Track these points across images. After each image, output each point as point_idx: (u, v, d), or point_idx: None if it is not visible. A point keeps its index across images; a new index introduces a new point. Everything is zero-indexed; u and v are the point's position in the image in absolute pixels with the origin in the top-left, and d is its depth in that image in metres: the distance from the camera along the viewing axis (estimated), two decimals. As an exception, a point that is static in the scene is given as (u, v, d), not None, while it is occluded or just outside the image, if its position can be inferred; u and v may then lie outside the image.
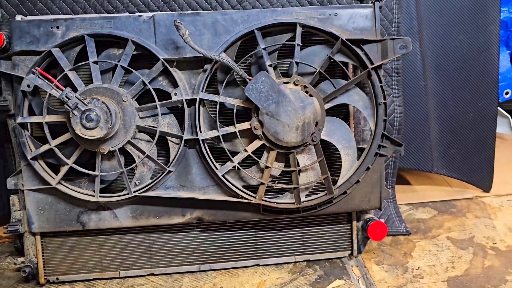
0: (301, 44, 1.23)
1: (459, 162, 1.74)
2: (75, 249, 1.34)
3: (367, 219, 1.39)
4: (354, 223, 1.40)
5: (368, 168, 1.29)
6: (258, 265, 1.40)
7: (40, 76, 1.17)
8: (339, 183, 1.29)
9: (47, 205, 1.28)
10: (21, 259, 1.34)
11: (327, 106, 1.25)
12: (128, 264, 1.36)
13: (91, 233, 1.33)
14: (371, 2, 1.28)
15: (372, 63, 1.25)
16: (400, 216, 1.60)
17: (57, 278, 1.35)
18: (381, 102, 1.26)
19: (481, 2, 1.65)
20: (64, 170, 1.22)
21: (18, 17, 1.25)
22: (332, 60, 1.24)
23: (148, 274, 1.38)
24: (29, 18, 1.25)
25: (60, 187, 1.24)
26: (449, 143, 1.73)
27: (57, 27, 1.21)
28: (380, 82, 1.26)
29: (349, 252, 1.43)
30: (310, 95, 1.22)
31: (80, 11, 1.38)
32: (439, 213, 1.69)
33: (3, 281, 1.39)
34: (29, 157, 1.22)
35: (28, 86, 1.19)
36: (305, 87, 1.22)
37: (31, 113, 1.25)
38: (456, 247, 1.48)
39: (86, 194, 1.25)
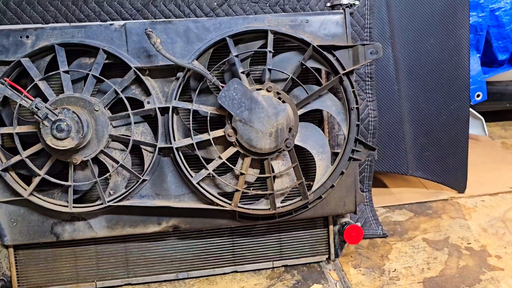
0: (273, 51, 1.23)
1: (434, 164, 1.77)
2: (49, 261, 1.32)
3: (344, 223, 1.40)
4: (331, 227, 1.41)
5: (342, 173, 1.31)
6: (236, 271, 1.40)
7: (9, 87, 1.15)
8: (314, 188, 1.30)
9: (20, 217, 1.26)
10: (-6, 272, 1.32)
11: (300, 112, 1.26)
12: (104, 275, 1.35)
13: (66, 244, 1.32)
14: (342, 9, 1.29)
15: (343, 69, 1.26)
16: (377, 219, 1.61)
17: (32, 291, 1.33)
18: (353, 107, 1.28)
19: (450, 6, 1.68)
20: (36, 181, 1.21)
21: (-13, 27, 1.23)
22: (304, 67, 1.25)
23: (125, 284, 1.36)
24: (-2, 28, 1.24)
25: (32, 198, 1.22)
26: (423, 146, 1.75)
27: (27, 37, 1.19)
28: (352, 87, 1.27)
29: (327, 256, 1.43)
30: (283, 101, 1.23)
31: (51, 20, 1.37)
32: (415, 215, 1.72)
33: (-24, 296, 1.36)
34: (-1, 168, 1.20)
35: (-2, 96, 1.18)
36: (278, 93, 1.23)
37: (2, 123, 1.23)
38: (432, 248, 1.51)
39: (60, 205, 1.24)
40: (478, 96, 2.01)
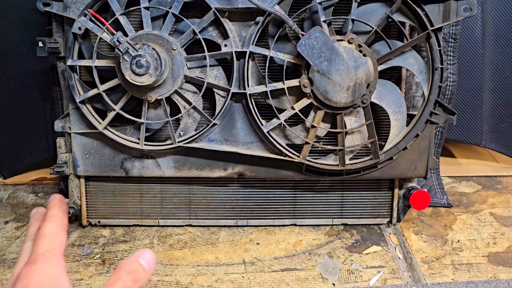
0: (358, 1, 1.17)
1: (510, 137, 1.67)
2: (117, 195, 1.37)
3: (410, 188, 1.36)
4: (396, 190, 1.38)
5: (417, 135, 1.25)
6: (295, 225, 1.40)
7: (93, 18, 1.15)
8: (385, 148, 1.26)
9: (93, 150, 1.29)
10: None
11: (380, 67, 1.20)
12: (167, 214, 1.38)
13: (134, 181, 1.35)
14: (437, -41, 1.20)
15: (432, 25, 1.18)
16: (442, 188, 1.56)
17: (99, 221, 1.39)
18: (437, 67, 1.20)
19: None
20: (111, 115, 1.23)
21: (71, -42, 1.23)
22: (390, 19, 1.18)
23: (186, 225, 1.40)
24: (82, -41, 1.23)
25: (106, 132, 1.25)
26: (501, 117, 1.65)
27: (110, -30, 1.18)
28: (439, 45, 1.19)
29: (388, 219, 1.41)
30: (364, 55, 1.17)
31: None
32: (483, 188, 1.64)
33: (48, 220, 1.44)
34: (77, 100, 1.22)
35: (79, 28, 1.18)
36: (360, 46, 1.17)
37: (81, 57, 1.25)
38: (499, 224, 1.44)
39: (131, 141, 1.26)
40: None
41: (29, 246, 0.54)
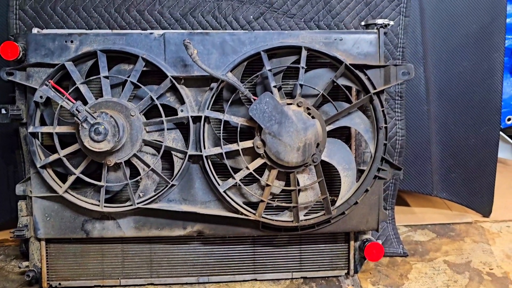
0: (305, 67, 1.26)
1: (460, 186, 1.76)
2: (78, 256, 1.38)
3: (365, 240, 1.41)
4: (352, 243, 1.43)
5: (367, 190, 1.32)
6: (255, 279, 1.43)
7: (52, 89, 1.21)
8: (337, 204, 1.32)
9: (53, 212, 1.31)
10: (25, 263, 1.38)
11: (329, 128, 1.28)
12: (129, 273, 1.39)
13: (95, 241, 1.37)
14: (376, 29, 1.31)
15: (374, 88, 1.28)
16: (398, 237, 1.61)
17: (60, 284, 1.38)
18: (382, 127, 1.29)
19: (486, 29, 1.67)
20: (71, 179, 1.26)
21: (35, 30, 1.30)
22: (335, 84, 1.28)
23: (148, 284, 1.41)
24: (45, 31, 1.30)
25: (66, 195, 1.28)
26: (450, 167, 1.74)
27: (71, 41, 1.25)
28: (382, 106, 1.29)
29: (346, 271, 1.45)
30: (313, 117, 1.25)
31: (94, 26, 1.43)
32: (438, 236, 1.71)
33: (7, 284, 1.43)
34: (38, 165, 1.26)
35: (41, 97, 1.23)
36: (308, 109, 1.25)
37: (43, 122, 1.29)
38: (453, 271, 1.50)
39: (91, 204, 1.29)
40: (509, 119, 1.99)
41: None
